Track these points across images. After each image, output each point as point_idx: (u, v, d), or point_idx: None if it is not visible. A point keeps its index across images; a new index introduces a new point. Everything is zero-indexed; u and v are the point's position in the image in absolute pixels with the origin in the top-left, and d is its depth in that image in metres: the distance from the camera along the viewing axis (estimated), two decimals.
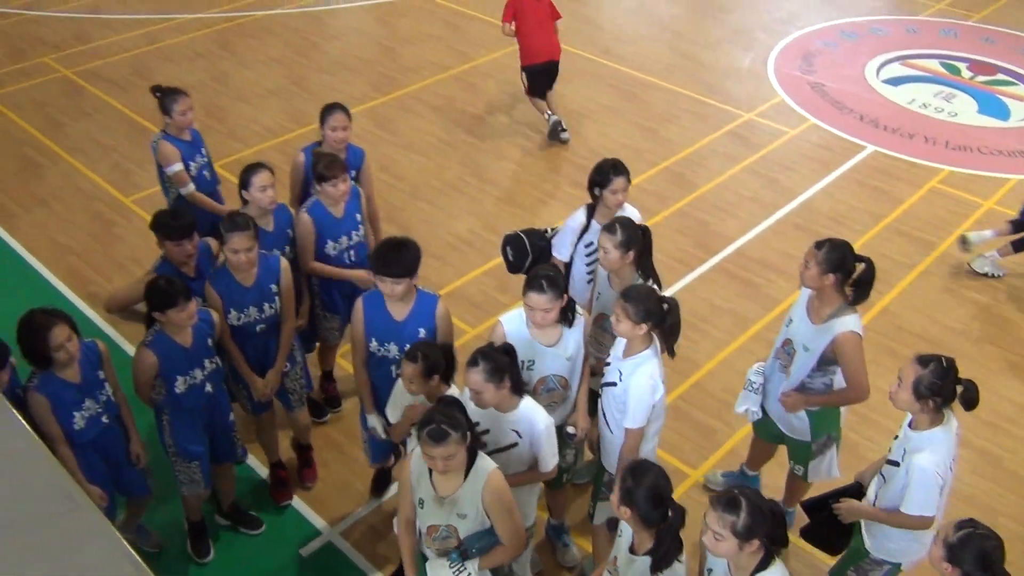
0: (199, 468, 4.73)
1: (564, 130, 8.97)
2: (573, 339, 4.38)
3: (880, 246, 7.68)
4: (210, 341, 4.58)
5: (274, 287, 4.86)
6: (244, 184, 5.11)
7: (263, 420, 5.28)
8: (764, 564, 3.34)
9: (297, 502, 5.41)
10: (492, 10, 12.03)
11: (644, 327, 4.07)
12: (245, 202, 5.16)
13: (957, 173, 8.77)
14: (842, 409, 4.70)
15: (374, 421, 4.72)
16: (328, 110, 5.74)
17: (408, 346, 4.29)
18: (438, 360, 4.16)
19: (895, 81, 10.48)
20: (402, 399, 4.39)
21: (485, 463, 3.70)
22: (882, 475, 4.04)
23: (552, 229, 5.49)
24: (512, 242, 5.47)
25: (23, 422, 1.65)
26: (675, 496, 3.59)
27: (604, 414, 4.37)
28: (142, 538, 5.05)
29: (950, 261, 7.53)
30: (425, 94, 10.05)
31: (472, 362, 3.89)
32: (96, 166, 8.62)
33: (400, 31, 11.57)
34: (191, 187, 5.99)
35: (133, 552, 1.21)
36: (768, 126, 9.49)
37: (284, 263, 4.95)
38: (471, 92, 10.10)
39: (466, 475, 3.64)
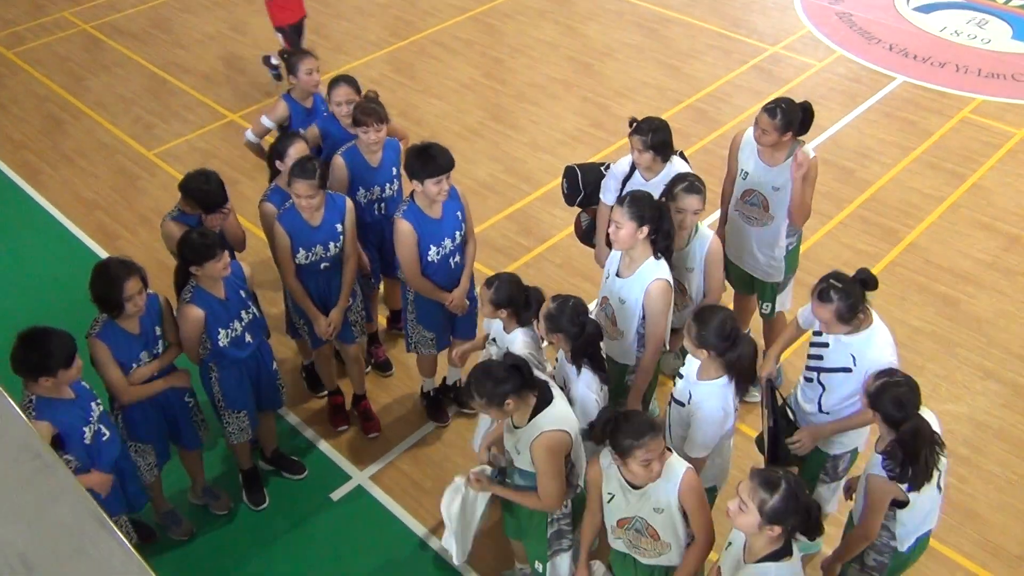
0: (247, 417, 4.84)
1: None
2: (519, 339, 4.34)
3: (909, 179, 7.55)
4: (243, 292, 4.64)
5: (339, 226, 4.93)
6: (280, 154, 5.03)
7: (322, 352, 5.39)
8: (778, 555, 3.23)
9: (327, 448, 5.51)
10: None
11: (706, 352, 3.86)
12: (277, 172, 5.08)
13: (990, 102, 8.55)
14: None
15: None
16: (333, 85, 5.46)
17: (457, 234, 4.90)
18: (513, 295, 4.29)
19: (926, 8, 10.18)
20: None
21: (547, 420, 3.74)
22: (820, 383, 4.19)
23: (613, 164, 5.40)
24: (568, 175, 5.47)
25: None
26: None
27: (670, 427, 4.24)
28: (211, 501, 5.17)
29: (981, 193, 7.38)
30: (443, 37, 9.93)
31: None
32: (118, 120, 8.65)
33: None
34: (255, 139, 5.79)
35: (101, 511, 1.24)
36: (794, 59, 9.28)
37: (349, 203, 5.01)
38: (491, 34, 9.96)
39: (529, 419, 3.75)
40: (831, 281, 3.94)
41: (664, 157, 4.95)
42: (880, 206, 7.27)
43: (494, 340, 4.52)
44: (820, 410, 4.23)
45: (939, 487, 3.74)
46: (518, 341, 4.32)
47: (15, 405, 1.42)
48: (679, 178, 4.58)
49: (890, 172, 7.61)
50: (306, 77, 5.68)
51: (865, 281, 3.99)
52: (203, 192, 4.83)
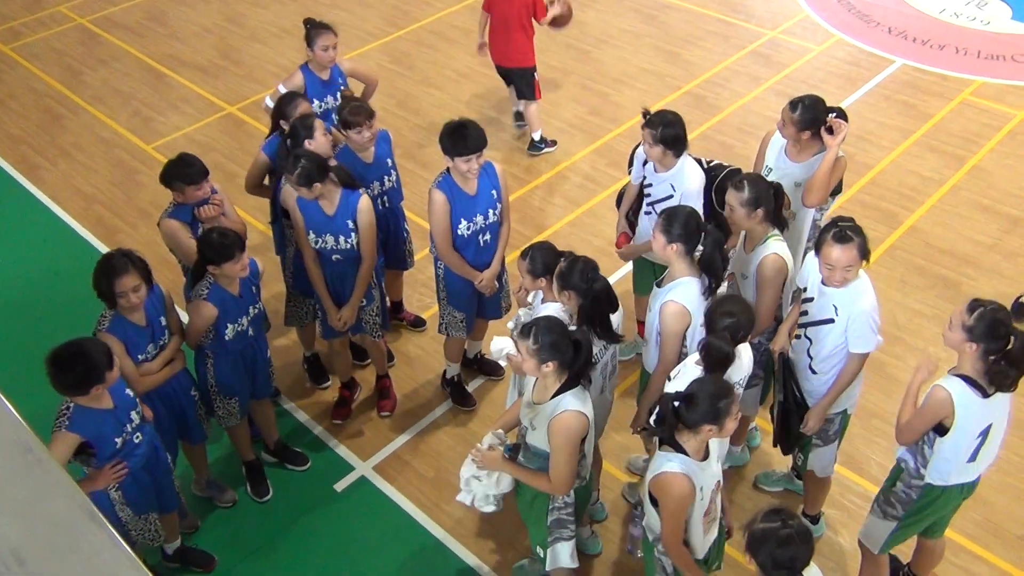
0: (237, 403, 4.88)
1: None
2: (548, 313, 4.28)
3: (908, 163, 7.53)
4: (254, 288, 4.68)
5: (350, 223, 4.89)
6: (284, 115, 5.08)
7: (334, 344, 5.42)
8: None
9: (330, 439, 5.52)
10: None
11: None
12: (281, 130, 5.14)
13: (990, 84, 8.51)
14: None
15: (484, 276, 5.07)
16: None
17: (491, 212, 4.91)
18: (548, 261, 4.29)
19: None
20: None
21: (570, 399, 3.71)
22: (807, 338, 4.24)
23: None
24: None
25: None
26: None
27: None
28: (216, 493, 5.19)
29: (981, 175, 7.36)
30: (441, 26, 9.89)
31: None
32: (116, 114, 8.64)
33: None
34: (272, 105, 5.68)
35: (91, 504, 1.24)
36: (793, 43, 9.25)
37: (364, 203, 4.90)
38: None
39: (553, 396, 3.73)
40: (841, 224, 3.96)
41: (676, 152, 4.84)
42: (880, 190, 7.25)
43: (531, 308, 4.52)
44: (810, 367, 4.26)
45: (984, 434, 3.72)
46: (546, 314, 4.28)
47: (4, 399, 1.42)
48: (731, 173, 4.50)
49: (890, 155, 7.59)
50: (321, 53, 5.78)
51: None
52: (182, 169, 4.82)
